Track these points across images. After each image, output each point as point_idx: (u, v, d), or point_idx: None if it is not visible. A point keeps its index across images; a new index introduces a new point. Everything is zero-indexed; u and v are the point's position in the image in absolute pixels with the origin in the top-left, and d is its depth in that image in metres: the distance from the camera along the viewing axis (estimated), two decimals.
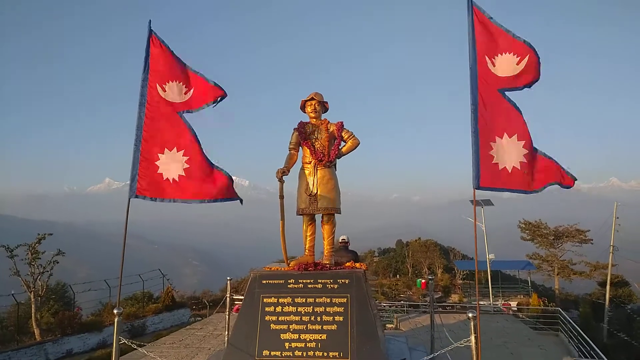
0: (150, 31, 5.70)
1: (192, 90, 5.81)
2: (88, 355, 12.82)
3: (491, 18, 4.87)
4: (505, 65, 4.89)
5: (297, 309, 5.07)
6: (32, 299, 14.87)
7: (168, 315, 17.69)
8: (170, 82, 5.72)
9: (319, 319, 4.98)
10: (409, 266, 46.24)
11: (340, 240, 9.44)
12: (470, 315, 4.15)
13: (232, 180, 5.77)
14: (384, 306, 22.56)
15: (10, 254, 15.08)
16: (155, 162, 5.54)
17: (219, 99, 5.83)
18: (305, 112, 6.00)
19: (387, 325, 11.89)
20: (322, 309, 5.03)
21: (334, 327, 4.91)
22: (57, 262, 15.90)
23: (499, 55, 4.91)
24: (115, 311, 4.86)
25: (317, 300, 5.08)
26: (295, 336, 4.91)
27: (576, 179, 4.90)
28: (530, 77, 4.91)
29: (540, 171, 4.92)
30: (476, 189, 4.60)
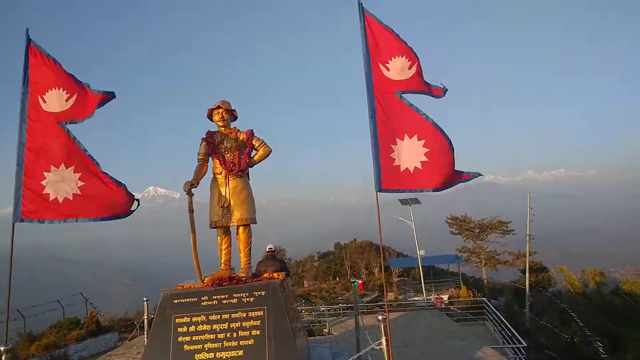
0: (28, 40, 5.25)
1: (74, 97, 5.37)
2: None
3: (382, 23, 5.00)
4: (399, 68, 5.03)
5: (211, 326, 4.86)
6: None
7: (93, 341, 16.53)
8: (49, 90, 5.28)
9: (235, 334, 4.81)
10: (347, 268, 46.90)
11: (267, 250, 9.33)
12: (379, 317, 4.19)
13: (131, 195, 5.45)
14: (322, 310, 22.66)
15: None
16: (41, 182, 5.09)
17: (106, 101, 5.47)
18: (213, 121, 5.83)
19: (323, 330, 11.92)
20: (238, 324, 4.86)
21: (250, 341, 4.77)
22: None
23: (393, 58, 5.05)
24: (2, 348, 4.37)
25: (233, 315, 4.91)
26: (211, 355, 4.71)
27: (479, 174, 5.10)
28: (423, 83, 5.09)
29: (446, 171, 5.08)
30: (378, 191, 4.68)
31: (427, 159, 4.91)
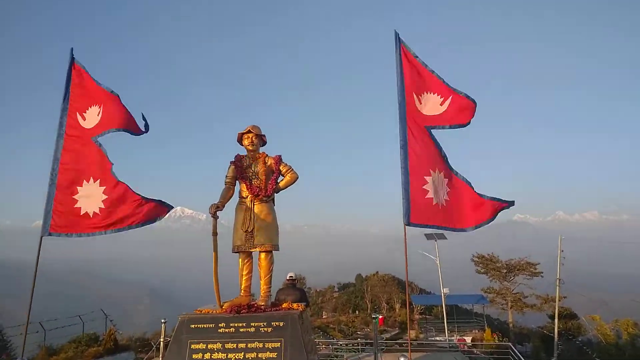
0: (72, 59, 5.44)
1: (101, 108, 5.50)
2: None
3: (417, 57, 4.96)
4: (431, 104, 4.97)
5: (227, 355, 4.74)
6: None
7: (110, 359, 16.46)
8: (90, 107, 5.44)
9: None
10: (367, 301, 45.89)
11: (287, 278, 9.19)
12: (402, 359, 3.97)
13: (153, 201, 5.44)
14: (340, 344, 22.03)
15: None
16: (73, 196, 5.18)
17: (139, 133, 5.58)
18: (242, 145, 5.85)
19: None
20: (254, 354, 4.72)
21: None
22: None
23: (424, 93, 4.99)
24: None
25: (249, 345, 4.78)
26: None
27: (512, 203, 4.89)
28: (454, 117, 5.00)
29: (473, 209, 4.93)
30: (406, 225, 4.53)
31: (448, 199, 4.81)
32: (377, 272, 52.21)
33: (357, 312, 44.89)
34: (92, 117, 5.47)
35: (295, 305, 5.45)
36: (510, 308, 33.24)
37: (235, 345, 4.78)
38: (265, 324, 4.91)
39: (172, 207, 5.63)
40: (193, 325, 4.98)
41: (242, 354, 4.73)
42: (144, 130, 5.62)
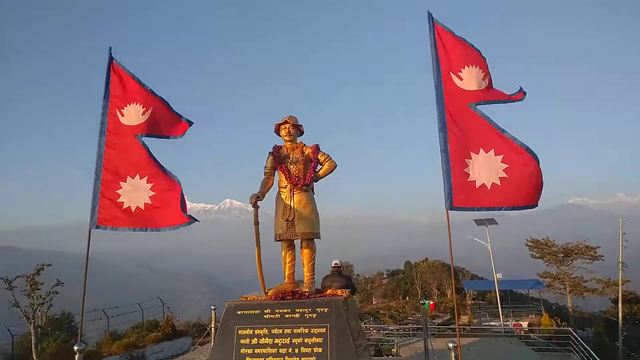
0: (111, 57, 5.67)
1: (149, 111, 5.69)
2: None
3: (453, 32, 4.77)
4: (473, 78, 4.76)
5: (273, 340, 4.85)
6: (32, 331, 14.76)
7: (169, 344, 17.34)
8: (128, 105, 5.65)
9: (296, 350, 4.76)
10: (417, 288, 45.48)
11: (332, 265, 9.26)
12: (450, 345, 3.90)
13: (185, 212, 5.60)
14: (391, 330, 22.02)
15: (9, 286, 15.00)
16: (117, 191, 5.43)
17: (179, 135, 5.76)
18: (279, 136, 5.91)
19: (392, 350, 11.53)
20: (300, 339, 4.81)
21: (312, 359, 4.69)
22: (57, 293, 15.78)
23: (465, 67, 4.79)
24: (75, 348, 4.63)
25: (295, 330, 4.87)
26: None
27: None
28: (498, 93, 4.78)
29: (535, 184, 4.67)
30: (449, 209, 4.40)
31: (506, 175, 4.56)
32: (426, 258, 51.51)
33: (407, 298, 44.59)
34: (133, 114, 5.67)
35: (339, 291, 5.49)
36: (569, 292, 31.87)
37: (281, 331, 4.88)
38: (309, 310, 4.98)
39: (195, 220, 5.77)
40: (239, 312, 5.13)
41: (289, 339, 4.83)
42: (188, 124, 5.81)
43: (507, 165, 4.58)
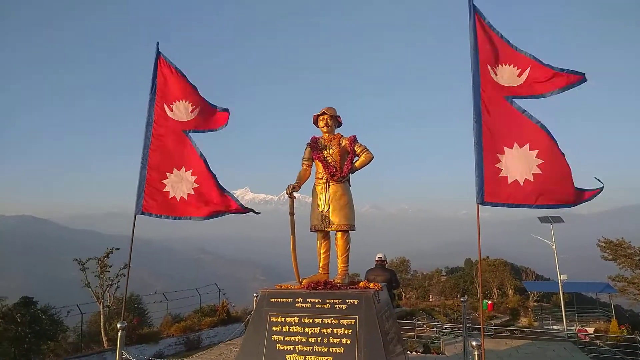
0: (158, 53, 5.95)
1: (197, 109, 5.96)
2: None
3: (492, 27, 4.54)
4: (507, 75, 4.53)
5: (304, 329, 4.93)
6: (101, 310, 15.95)
7: (223, 329, 18.06)
8: (177, 101, 5.92)
9: (325, 340, 4.80)
10: (477, 286, 43.99)
11: (376, 259, 9.23)
12: (474, 343, 3.77)
13: (235, 199, 5.78)
14: (446, 328, 21.51)
15: (82, 267, 16.26)
16: (162, 181, 5.72)
17: (224, 125, 5.97)
18: (317, 127, 5.95)
19: (443, 348, 11.32)
20: (329, 330, 4.85)
21: (340, 349, 4.72)
22: (124, 275, 16.87)
23: (500, 65, 4.57)
24: (118, 325, 4.96)
25: (325, 320, 4.91)
26: (301, 357, 4.76)
27: (599, 189, 4.28)
28: (536, 88, 4.50)
29: (569, 183, 4.42)
30: (480, 204, 4.23)
31: (539, 171, 4.32)
32: (487, 256, 49.58)
33: (466, 296, 43.28)
34: (181, 110, 5.96)
35: (372, 284, 5.46)
36: None
37: (311, 320, 4.95)
38: (340, 301, 5.01)
39: (250, 211, 5.91)
40: (273, 299, 5.25)
41: (318, 328, 4.89)
42: (227, 113, 6.03)
43: (542, 161, 4.33)
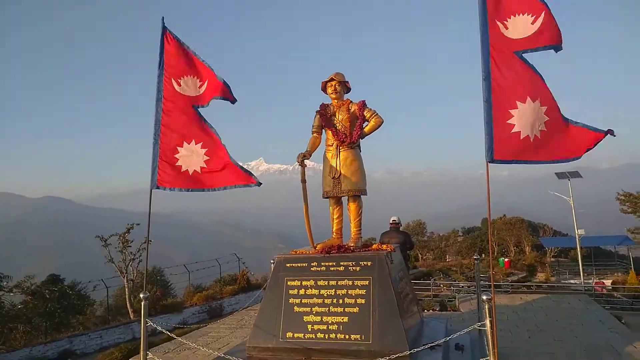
0: (164, 28, 5.93)
1: (205, 84, 5.97)
2: (167, 335, 14.00)
3: None
4: (520, 26, 4.43)
5: (319, 291, 5.10)
6: (125, 284, 16.53)
7: (244, 296, 18.59)
8: (185, 76, 5.93)
9: (341, 301, 4.97)
10: (492, 245, 44.20)
11: (390, 222, 9.35)
12: (484, 297, 3.88)
13: (247, 172, 5.86)
14: (462, 287, 21.86)
15: (105, 243, 16.75)
16: (175, 155, 5.82)
17: (225, 98, 5.97)
18: (326, 94, 5.94)
19: (455, 305, 11.55)
20: (344, 291, 5.01)
21: (355, 309, 4.88)
22: (145, 249, 17.36)
23: (512, 17, 4.47)
24: (141, 295, 5.19)
25: (340, 282, 5.07)
26: (318, 318, 4.95)
27: (607, 132, 4.23)
28: (547, 36, 4.41)
29: (570, 138, 4.41)
30: (489, 162, 4.24)
31: (545, 129, 4.30)
32: (504, 215, 49.51)
33: (482, 255, 43.55)
34: (191, 86, 5.97)
35: (385, 246, 5.58)
36: None
37: (326, 283, 5.11)
38: (353, 263, 5.14)
39: (258, 183, 5.94)
40: (289, 265, 5.41)
41: (333, 290, 5.05)
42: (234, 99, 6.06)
43: (548, 118, 4.30)
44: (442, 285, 22.38)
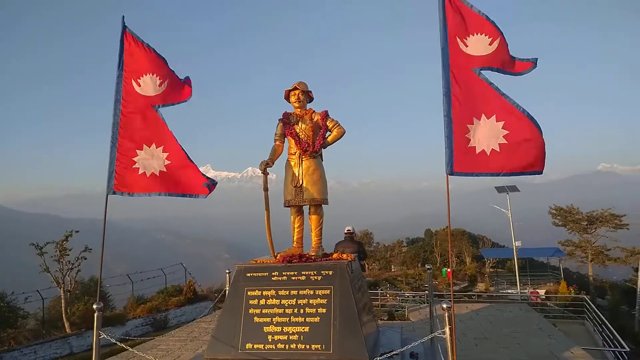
0: (124, 27, 5.74)
1: (166, 82, 5.80)
2: (109, 348, 13.26)
3: None
4: (480, 45, 4.69)
5: (280, 301, 5.04)
6: (62, 294, 15.53)
7: (190, 308, 18.08)
8: (144, 75, 5.74)
9: (302, 311, 4.94)
10: (437, 255, 45.71)
11: (345, 231, 9.43)
12: (444, 306, 4.01)
13: (207, 178, 5.75)
14: (407, 296, 22.38)
15: (40, 252, 15.67)
16: (133, 159, 5.60)
17: (187, 99, 5.87)
18: (289, 103, 5.94)
19: (407, 315, 11.80)
20: (305, 301, 4.99)
21: (316, 319, 4.87)
22: (85, 259, 16.43)
23: (471, 35, 4.72)
24: (94, 306, 4.92)
25: (301, 292, 5.04)
26: (279, 329, 4.89)
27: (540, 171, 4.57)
28: (501, 61, 4.69)
29: (533, 150, 4.64)
30: (449, 174, 4.43)
31: (505, 142, 4.54)
32: (446, 227, 51.34)
33: (425, 265, 44.94)
34: (149, 85, 5.76)
35: (345, 255, 5.62)
36: (591, 261, 31.58)
37: (287, 292, 5.06)
38: (315, 272, 5.14)
39: (210, 191, 5.84)
40: (249, 274, 5.32)
41: (295, 300, 5.01)
42: (189, 86, 5.95)
43: (508, 132, 4.54)
44: (388, 295, 22.81)
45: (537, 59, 4.77)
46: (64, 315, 15.16)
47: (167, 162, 5.63)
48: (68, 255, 16.14)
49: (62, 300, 15.41)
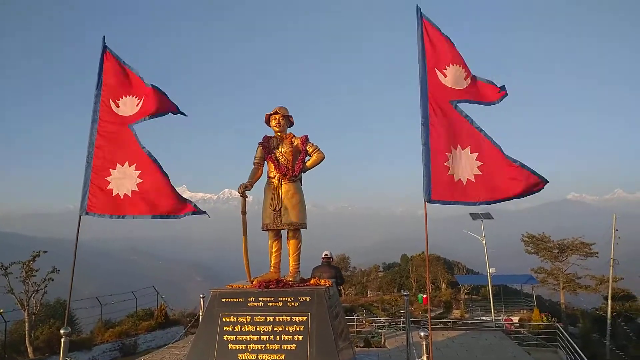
0: (104, 47, 5.71)
1: (142, 100, 5.75)
2: None
3: (440, 29, 4.84)
4: (456, 76, 4.85)
5: (256, 328, 4.94)
6: (26, 317, 14.84)
7: (161, 333, 17.49)
8: (124, 97, 5.70)
9: (278, 338, 4.84)
10: (413, 281, 45.77)
11: (322, 256, 9.39)
12: (422, 334, 4.00)
13: (184, 200, 5.66)
14: (384, 323, 22.21)
15: (4, 272, 15.02)
16: (106, 178, 5.48)
17: (169, 112, 5.80)
18: (270, 127, 5.96)
19: (383, 342, 11.69)
20: (281, 327, 4.90)
21: (293, 346, 4.77)
22: (52, 280, 15.81)
23: (449, 66, 4.88)
24: (62, 331, 4.72)
25: (277, 319, 4.95)
26: (253, 356, 4.76)
27: (546, 181, 4.66)
28: (480, 94, 4.86)
29: (508, 180, 4.75)
30: (427, 202, 4.49)
31: (480, 172, 4.67)
32: (422, 252, 51.70)
33: (401, 291, 44.88)
34: (128, 105, 5.71)
35: (322, 281, 5.58)
36: (563, 289, 32.10)
37: (263, 319, 4.97)
38: (292, 298, 5.06)
39: (203, 212, 5.79)
40: (224, 299, 5.21)
41: (271, 326, 4.91)
42: (179, 111, 5.87)
43: (482, 163, 4.67)
44: (364, 321, 22.60)
45: (504, 86, 4.94)
46: (27, 339, 14.47)
47: (138, 180, 5.51)
48: (35, 276, 15.51)
49: (26, 324, 14.73)
